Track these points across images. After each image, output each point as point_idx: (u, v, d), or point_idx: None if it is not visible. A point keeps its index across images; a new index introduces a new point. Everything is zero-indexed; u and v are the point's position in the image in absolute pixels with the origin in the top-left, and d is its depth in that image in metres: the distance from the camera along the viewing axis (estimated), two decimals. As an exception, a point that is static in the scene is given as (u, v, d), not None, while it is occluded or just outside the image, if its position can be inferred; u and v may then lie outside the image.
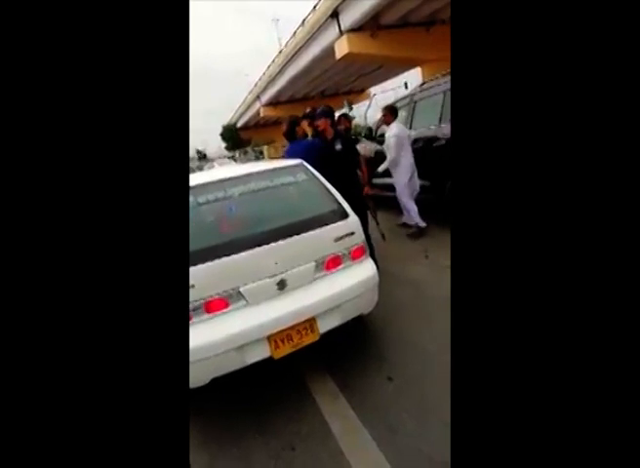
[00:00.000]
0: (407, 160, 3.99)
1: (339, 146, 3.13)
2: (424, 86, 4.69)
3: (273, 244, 1.80)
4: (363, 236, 2.12)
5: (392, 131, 3.97)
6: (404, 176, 4.00)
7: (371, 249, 2.62)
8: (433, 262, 3.28)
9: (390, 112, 4.14)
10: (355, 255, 2.06)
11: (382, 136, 4.40)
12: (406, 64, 14.16)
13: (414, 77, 13.08)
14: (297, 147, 3.02)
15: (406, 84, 5.73)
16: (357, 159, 3.29)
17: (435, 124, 4.06)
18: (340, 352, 2.16)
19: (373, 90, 20.64)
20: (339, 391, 1.87)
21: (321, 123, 3.15)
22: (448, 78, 4.09)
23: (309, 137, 3.41)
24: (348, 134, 4.38)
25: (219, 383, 1.68)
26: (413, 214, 4.05)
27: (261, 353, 1.73)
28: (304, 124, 3.35)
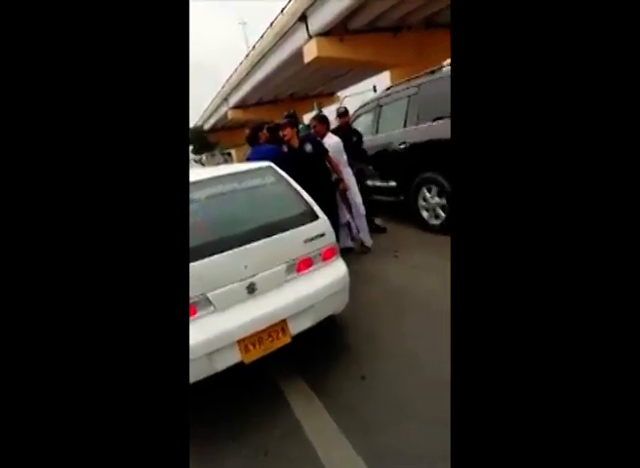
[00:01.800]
0: (347, 171, 3.67)
1: (309, 148, 3.22)
2: (389, 90, 4.80)
3: (242, 247, 1.78)
4: (334, 237, 2.14)
5: (328, 144, 3.52)
6: (352, 184, 3.67)
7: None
8: (402, 262, 3.35)
9: (321, 122, 3.72)
10: (326, 256, 2.08)
11: None
12: (374, 68, 14.42)
13: (383, 81, 13.31)
14: (260, 151, 3.13)
15: (374, 87, 5.83)
16: (327, 158, 3.36)
17: (400, 127, 4.20)
18: (312, 352, 2.16)
19: (342, 93, 20.85)
20: (312, 392, 1.86)
21: (287, 132, 3.24)
22: (412, 83, 4.24)
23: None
24: (350, 128, 4.30)
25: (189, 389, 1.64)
26: (361, 228, 3.72)
27: (232, 358, 1.70)
28: (263, 134, 3.51)
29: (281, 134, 3.28)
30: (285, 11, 12.34)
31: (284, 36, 12.75)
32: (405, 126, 4.14)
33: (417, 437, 1.47)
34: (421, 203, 4.00)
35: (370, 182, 4.61)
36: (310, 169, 3.08)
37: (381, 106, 4.74)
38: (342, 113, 4.35)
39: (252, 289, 1.79)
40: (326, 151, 3.38)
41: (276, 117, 4.13)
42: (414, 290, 2.75)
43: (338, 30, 11.29)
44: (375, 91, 5.23)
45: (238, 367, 1.72)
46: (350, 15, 10.51)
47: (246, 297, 1.78)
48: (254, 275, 1.80)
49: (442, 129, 3.56)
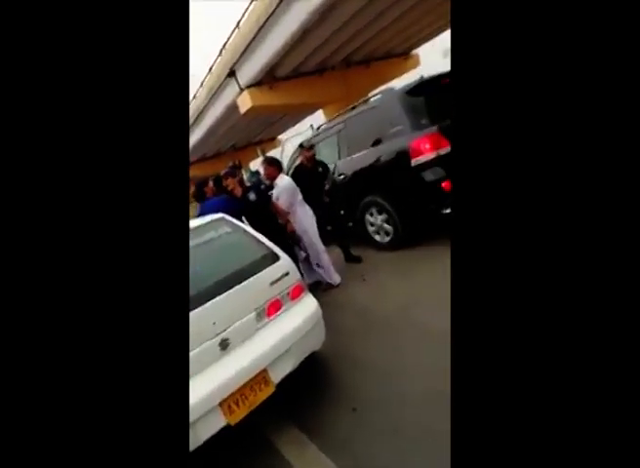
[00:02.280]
0: (303, 210, 3.64)
1: (252, 197, 3.31)
2: (319, 130, 5.15)
3: (208, 304, 1.73)
4: (298, 274, 2.14)
5: (280, 185, 3.54)
6: (308, 224, 3.62)
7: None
8: (369, 284, 3.43)
9: (271, 164, 3.65)
10: (294, 295, 2.06)
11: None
12: (308, 109, 15.16)
13: (319, 119, 13.96)
14: (209, 204, 3.22)
15: (312, 126, 6.11)
16: (270, 206, 3.43)
17: (336, 160, 4.52)
18: (298, 394, 2.08)
19: (283, 136, 21.56)
20: (305, 438, 1.78)
21: (229, 182, 3.34)
22: (338, 119, 4.71)
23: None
24: (315, 162, 4.09)
25: None
26: (325, 270, 3.64)
27: (216, 424, 1.60)
28: (209, 186, 3.61)
29: (224, 184, 3.40)
30: (213, 70, 12.85)
31: (216, 93, 13.20)
32: (339, 158, 4.49)
33: (418, 459, 1.43)
34: (369, 227, 4.24)
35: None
36: (256, 215, 3.20)
37: (315, 145, 4.98)
38: (308, 147, 4.10)
39: (225, 344, 1.72)
40: (268, 199, 3.44)
41: (221, 170, 4.18)
42: (386, 311, 2.77)
43: (267, 79, 11.87)
44: (312, 129, 5.46)
45: (225, 430, 1.61)
46: (275, 66, 11.15)
47: (220, 355, 1.71)
48: (224, 330, 1.74)
49: (371, 156, 3.96)
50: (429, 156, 3.40)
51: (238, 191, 3.34)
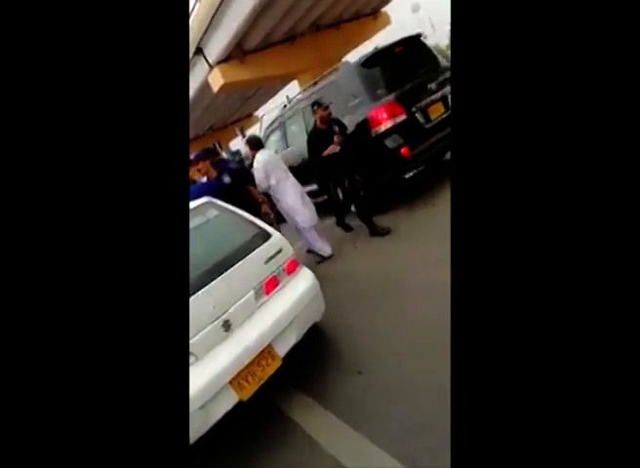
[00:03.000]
0: (285, 186, 3.56)
1: (227, 180, 3.26)
2: (286, 108, 5.21)
3: (206, 287, 1.74)
4: (291, 249, 2.15)
5: (258, 161, 3.50)
6: (292, 199, 3.56)
7: None
8: (362, 251, 3.49)
9: (247, 144, 3.80)
10: (290, 270, 2.08)
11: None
12: (281, 81, 14.70)
13: (295, 90, 13.59)
14: (192, 191, 3.13)
15: (287, 97, 5.91)
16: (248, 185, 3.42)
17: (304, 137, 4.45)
18: (303, 364, 2.14)
19: (260, 112, 21.01)
20: (312, 401, 1.87)
21: (201, 166, 3.30)
22: (299, 97, 4.83)
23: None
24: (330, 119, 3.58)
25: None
26: (311, 240, 3.68)
27: (229, 401, 1.66)
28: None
29: (195, 169, 3.33)
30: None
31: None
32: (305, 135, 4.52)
33: (419, 416, 1.50)
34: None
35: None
36: (233, 198, 3.11)
37: (284, 123, 5.06)
38: (324, 107, 3.51)
39: (227, 326, 1.75)
40: (245, 180, 3.44)
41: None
42: (379, 277, 2.83)
43: (236, 53, 11.42)
44: (289, 101, 5.36)
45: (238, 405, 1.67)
46: (242, 37, 10.68)
47: (224, 336, 1.74)
48: (225, 311, 1.76)
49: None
50: (387, 125, 3.59)
51: (212, 173, 3.29)
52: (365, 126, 3.69)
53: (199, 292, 1.71)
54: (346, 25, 13.32)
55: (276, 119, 5.36)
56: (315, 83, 4.56)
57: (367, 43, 14.49)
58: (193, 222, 2.13)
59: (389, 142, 3.61)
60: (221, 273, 1.81)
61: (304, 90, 4.84)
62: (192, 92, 13.60)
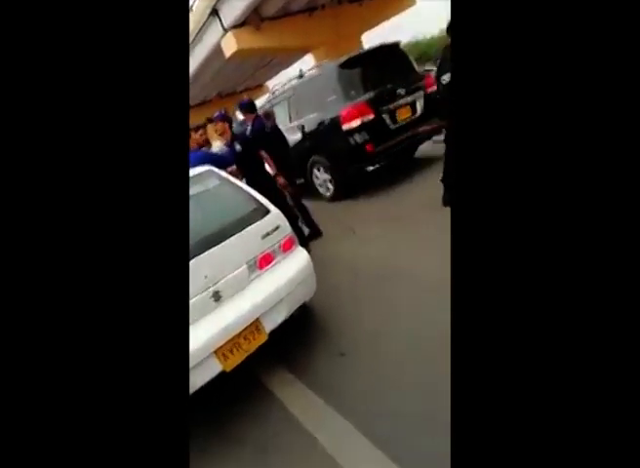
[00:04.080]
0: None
1: (238, 148, 3.21)
2: (275, 93, 5.60)
3: (199, 257, 1.73)
4: (289, 227, 2.14)
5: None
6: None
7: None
8: (359, 236, 3.51)
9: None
10: (286, 248, 2.08)
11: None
12: (296, 52, 14.28)
13: (309, 63, 13.25)
14: (194, 157, 3.06)
15: (301, 70, 5.71)
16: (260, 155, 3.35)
17: (287, 123, 4.89)
18: (287, 341, 2.18)
19: (270, 82, 20.53)
20: (294, 377, 1.91)
21: (219, 126, 3.24)
22: (289, 85, 5.21)
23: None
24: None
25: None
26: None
27: (212, 370, 1.69)
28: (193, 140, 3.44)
29: (214, 128, 3.32)
30: (194, 8, 11.87)
31: (198, 35, 12.29)
32: (290, 121, 4.98)
33: (402, 398, 1.55)
34: (316, 181, 4.91)
35: None
36: (242, 165, 3.15)
37: (274, 106, 5.34)
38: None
39: (217, 296, 1.76)
40: (253, 150, 3.32)
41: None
42: (374, 262, 2.84)
43: (252, 20, 11.03)
44: (302, 75, 5.29)
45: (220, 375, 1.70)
46: (261, 2, 10.29)
47: (214, 306, 1.75)
48: (216, 282, 1.77)
49: (315, 120, 4.59)
50: (356, 123, 4.16)
51: (228, 135, 3.25)
52: (337, 121, 4.27)
53: (192, 261, 1.70)
54: (369, 2, 12.85)
55: (266, 102, 5.73)
56: (301, 76, 5.11)
57: (386, 24, 14.06)
58: (194, 190, 2.10)
59: (356, 138, 4.19)
60: (217, 244, 1.81)
61: (290, 80, 5.30)
62: (203, 55, 13.22)
